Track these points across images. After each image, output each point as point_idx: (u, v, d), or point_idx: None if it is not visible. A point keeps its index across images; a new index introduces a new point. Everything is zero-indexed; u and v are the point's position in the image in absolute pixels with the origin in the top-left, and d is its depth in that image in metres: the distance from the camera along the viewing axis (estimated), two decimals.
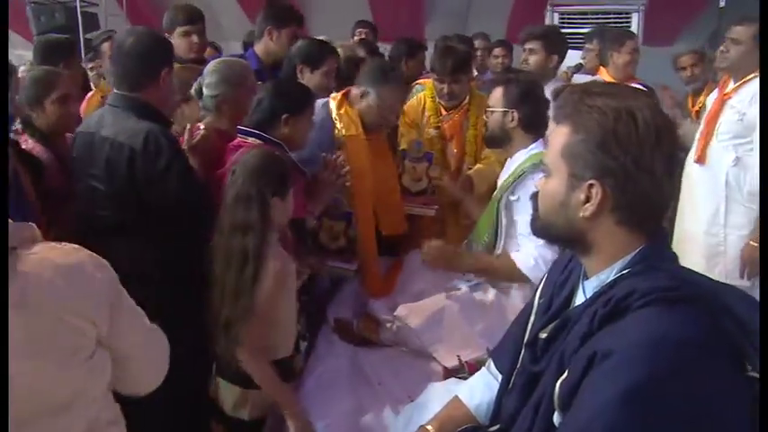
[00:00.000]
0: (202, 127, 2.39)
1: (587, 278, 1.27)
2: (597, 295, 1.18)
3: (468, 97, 3.16)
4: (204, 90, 2.54)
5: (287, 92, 2.39)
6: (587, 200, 1.17)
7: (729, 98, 3.12)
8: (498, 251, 2.41)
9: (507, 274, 2.36)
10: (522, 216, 2.31)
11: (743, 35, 3.03)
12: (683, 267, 1.20)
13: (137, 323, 1.33)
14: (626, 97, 1.16)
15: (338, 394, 2.08)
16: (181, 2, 3.58)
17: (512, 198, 2.35)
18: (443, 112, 3.18)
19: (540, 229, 1.31)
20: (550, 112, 1.29)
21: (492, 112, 2.45)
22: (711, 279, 1.21)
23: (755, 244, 2.95)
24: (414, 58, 4.19)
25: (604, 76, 3.79)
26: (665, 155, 1.14)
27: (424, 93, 3.29)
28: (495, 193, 2.48)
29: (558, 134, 1.21)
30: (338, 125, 2.65)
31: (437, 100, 3.18)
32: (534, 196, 1.32)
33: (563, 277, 1.39)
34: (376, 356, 2.29)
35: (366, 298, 2.57)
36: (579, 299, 1.29)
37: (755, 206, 2.98)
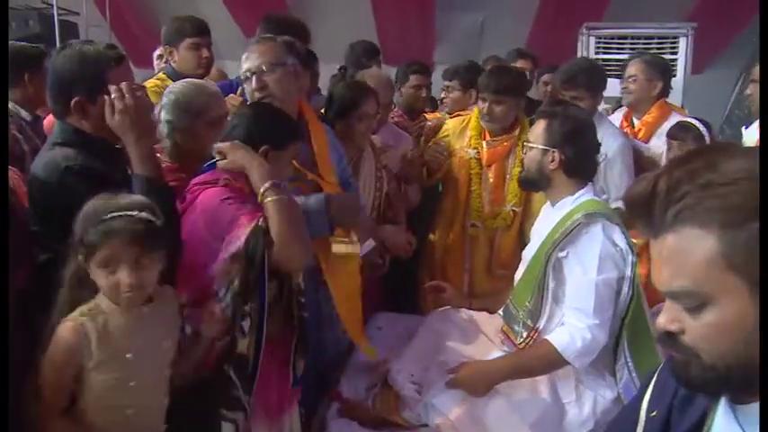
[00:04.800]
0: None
1: (738, 401, 0.94)
2: None
3: (518, 130, 3.01)
4: (162, 113, 2.22)
5: (270, 121, 2.02)
6: None
7: None
8: (542, 321, 2.16)
9: (548, 363, 2.10)
10: (573, 280, 2.07)
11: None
12: None
13: None
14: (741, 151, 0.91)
15: None
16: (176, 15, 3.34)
17: (560, 255, 2.11)
18: (488, 137, 3.05)
19: (721, 379, 0.92)
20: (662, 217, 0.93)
21: (530, 148, 2.24)
22: None
23: None
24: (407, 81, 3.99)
25: None
26: None
27: (471, 113, 3.23)
28: (538, 250, 2.23)
29: (694, 245, 0.87)
30: None
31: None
32: (671, 346, 0.96)
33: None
34: None
35: (385, 366, 2.26)
36: (724, 429, 0.96)
37: None
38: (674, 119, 3.42)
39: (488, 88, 2.92)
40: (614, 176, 3.00)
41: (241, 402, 1.79)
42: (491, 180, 3.01)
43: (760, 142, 2.74)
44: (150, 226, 1.53)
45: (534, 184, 2.29)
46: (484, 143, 3.04)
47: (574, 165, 2.17)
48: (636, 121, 3.53)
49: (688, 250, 0.87)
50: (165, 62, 3.29)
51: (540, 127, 2.23)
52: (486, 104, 2.92)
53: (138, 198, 1.60)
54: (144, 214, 1.53)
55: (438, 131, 3.40)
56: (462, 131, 3.14)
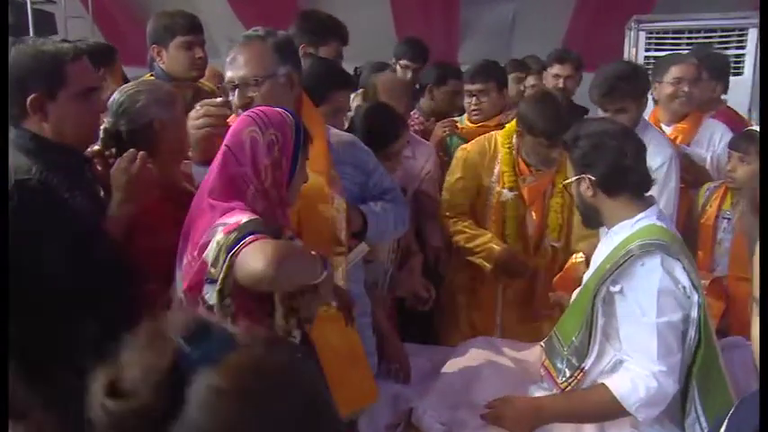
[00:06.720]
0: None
1: None
2: None
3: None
4: (123, 127, 2.08)
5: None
6: None
7: None
8: (589, 361, 2.12)
9: (605, 412, 2.07)
10: (631, 321, 2.03)
11: None
12: None
13: None
14: None
15: None
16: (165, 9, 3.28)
17: (613, 289, 2.08)
18: (526, 172, 2.95)
19: None
20: None
21: (568, 185, 2.26)
22: None
23: None
24: (444, 85, 3.87)
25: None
26: None
27: (495, 135, 3.09)
28: (588, 280, 2.20)
29: None
30: None
31: (515, 154, 2.98)
32: None
33: None
34: None
35: (407, 403, 2.28)
36: None
37: None
38: (708, 123, 3.44)
39: (558, 131, 2.68)
40: (656, 194, 2.89)
41: None
42: (535, 219, 2.99)
43: (760, 141, 2.76)
44: None
45: (588, 219, 2.28)
46: (521, 180, 2.97)
47: (610, 183, 2.12)
48: (666, 128, 3.47)
49: None
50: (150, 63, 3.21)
51: (566, 160, 2.27)
52: (546, 149, 2.81)
53: None
54: None
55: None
56: (489, 165, 3.03)
